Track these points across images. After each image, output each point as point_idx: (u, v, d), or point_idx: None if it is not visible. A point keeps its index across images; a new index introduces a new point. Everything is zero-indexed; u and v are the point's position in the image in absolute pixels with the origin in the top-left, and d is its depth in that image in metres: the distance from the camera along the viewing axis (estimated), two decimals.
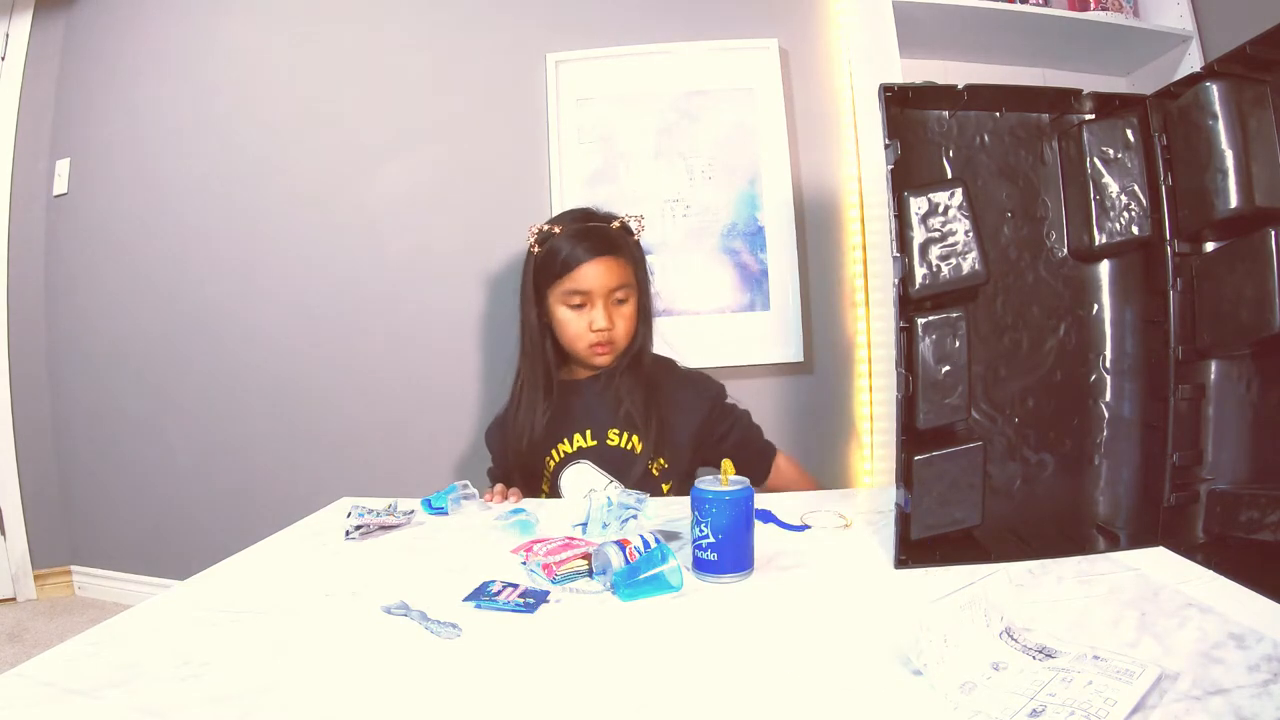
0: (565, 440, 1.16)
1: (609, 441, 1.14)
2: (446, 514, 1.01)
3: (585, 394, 1.19)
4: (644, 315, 1.20)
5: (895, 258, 0.76)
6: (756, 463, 1.21)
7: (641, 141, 1.74)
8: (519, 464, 1.17)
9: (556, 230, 1.16)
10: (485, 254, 1.74)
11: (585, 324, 1.14)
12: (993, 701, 0.46)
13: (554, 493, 1.18)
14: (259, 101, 1.88)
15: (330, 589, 0.74)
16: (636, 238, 1.21)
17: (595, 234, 1.15)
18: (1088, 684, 0.47)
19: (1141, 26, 1.58)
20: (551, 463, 1.17)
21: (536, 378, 1.18)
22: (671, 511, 0.93)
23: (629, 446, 1.13)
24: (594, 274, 1.13)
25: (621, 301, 1.16)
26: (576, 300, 1.14)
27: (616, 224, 1.18)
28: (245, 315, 1.89)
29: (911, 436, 0.76)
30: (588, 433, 1.15)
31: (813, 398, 1.73)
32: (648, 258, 1.68)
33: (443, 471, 1.76)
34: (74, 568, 2.12)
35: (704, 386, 1.23)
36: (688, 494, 0.74)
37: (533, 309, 1.17)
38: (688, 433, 1.17)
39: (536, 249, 1.17)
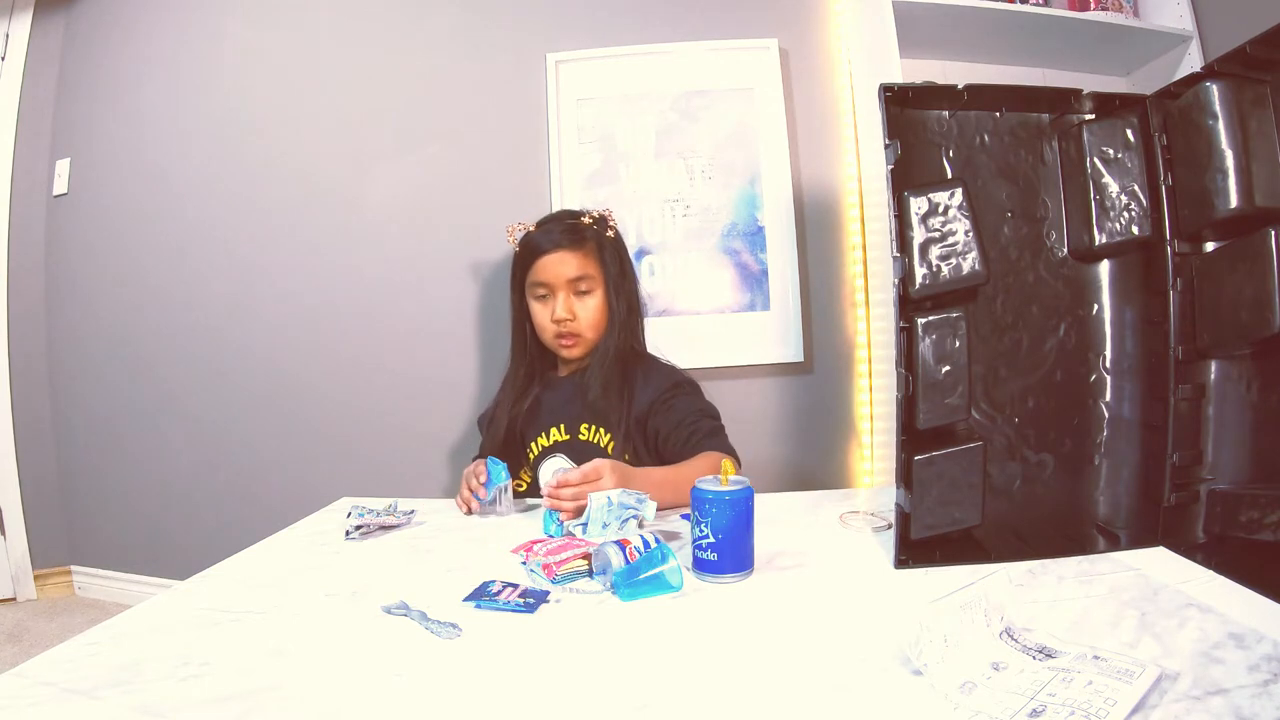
0: (543, 434, 1.19)
1: (580, 436, 1.17)
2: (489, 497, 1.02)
3: (562, 389, 1.22)
4: (615, 310, 1.20)
5: (895, 258, 0.76)
6: (671, 460, 1.09)
7: (641, 141, 1.73)
8: (497, 453, 1.18)
9: (532, 228, 1.22)
10: (485, 253, 1.74)
11: (548, 315, 1.19)
12: (993, 701, 0.46)
13: (534, 483, 1.20)
14: (260, 101, 1.88)
15: (330, 589, 0.74)
16: (611, 233, 1.24)
17: (558, 227, 1.20)
18: (1088, 684, 0.47)
19: (1141, 26, 1.58)
20: (531, 455, 1.20)
21: (518, 370, 1.25)
22: (671, 511, 0.93)
23: (597, 440, 1.15)
24: (552, 265, 1.17)
25: (584, 293, 1.18)
26: (541, 292, 1.20)
27: (587, 218, 1.22)
28: (245, 315, 1.89)
29: (911, 436, 0.76)
30: (562, 426, 1.18)
31: (813, 398, 1.73)
32: (647, 258, 1.71)
33: (443, 471, 1.76)
34: (74, 568, 2.12)
35: (662, 375, 1.19)
36: None
37: (514, 304, 1.25)
38: (637, 419, 1.15)
39: (517, 248, 1.22)
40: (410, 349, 1.80)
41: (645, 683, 0.53)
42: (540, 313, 1.20)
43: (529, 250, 1.20)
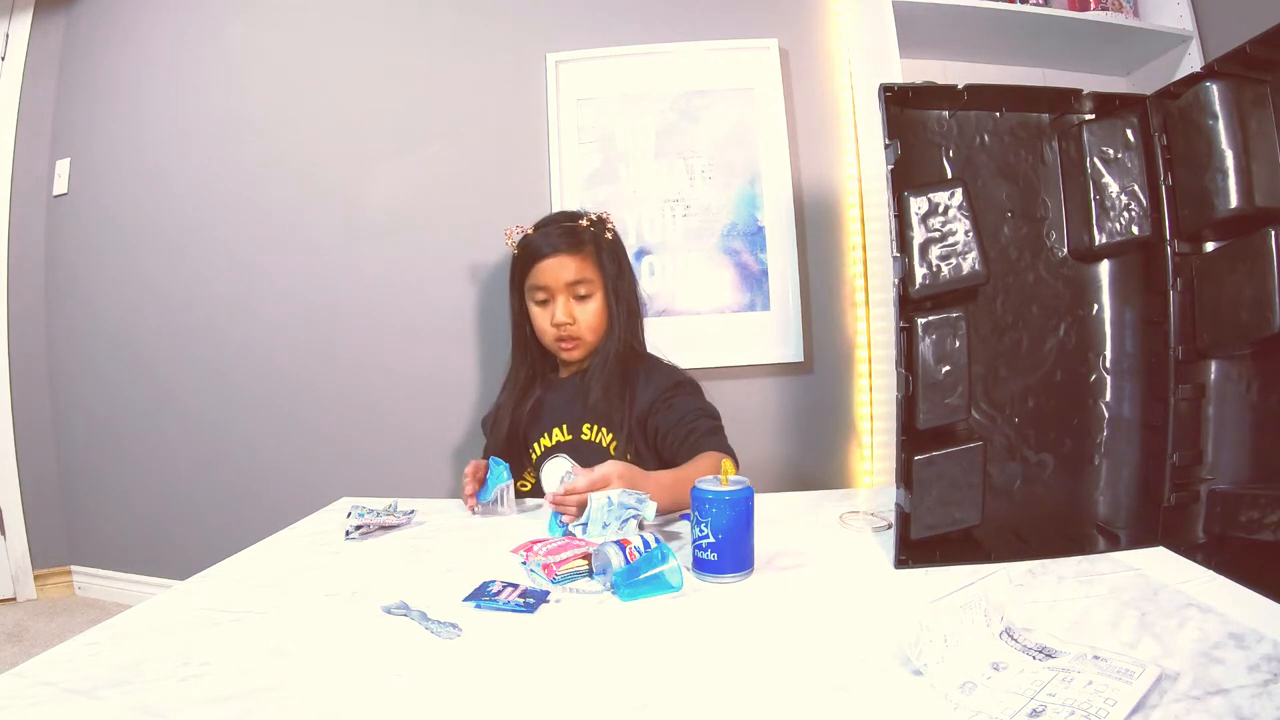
0: (545, 435, 1.19)
1: (583, 436, 1.17)
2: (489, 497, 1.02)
3: (563, 390, 1.23)
4: (615, 312, 1.21)
5: (895, 258, 0.76)
6: (670, 459, 1.10)
7: (641, 141, 1.73)
8: (500, 454, 1.18)
9: (530, 231, 1.22)
10: (485, 253, 1.74)
11: (548, 319, 1.19)
12: (993, 701, 0.46)
13: (538, 483, 1.20)
14: (260, 101, 1.88)
15: (330, 589, 0.74)
16: (610, 235, 1.24)
17: (556, 231, 1.20)
18: (1088, 684, 0.47)
19: (1141, 26, 1.58)
20: (534, 455, 1.20)
21: (519, 372, 1.26)
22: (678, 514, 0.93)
23: (599, 440, 1.15)
24: (551, 269, 1.18)
25: (584, 297, 1.19)
26: (540, 296, 1.20)
27: (584, 221, 1.22)
28: (245, 315, 1.89)
29: (911, 436, 0.76)
30: (565, 427, 1.18)
31: (813, 398, 1.73)
32: (647, 258, 1.71)
33: (444, 471, 1.76)
34: (74, 568, 2.12)
35: (663, 375, 1.19)
36: None
37: (514, 306, 1.25)
38: (638, 419, 1.15)
39: (516, 251, 1.23)
40: (410, 349, 1.80)
41: (645, 683, 0.53)
42: (540, 316, 1.21)
43: (527, 254, 1.20)
